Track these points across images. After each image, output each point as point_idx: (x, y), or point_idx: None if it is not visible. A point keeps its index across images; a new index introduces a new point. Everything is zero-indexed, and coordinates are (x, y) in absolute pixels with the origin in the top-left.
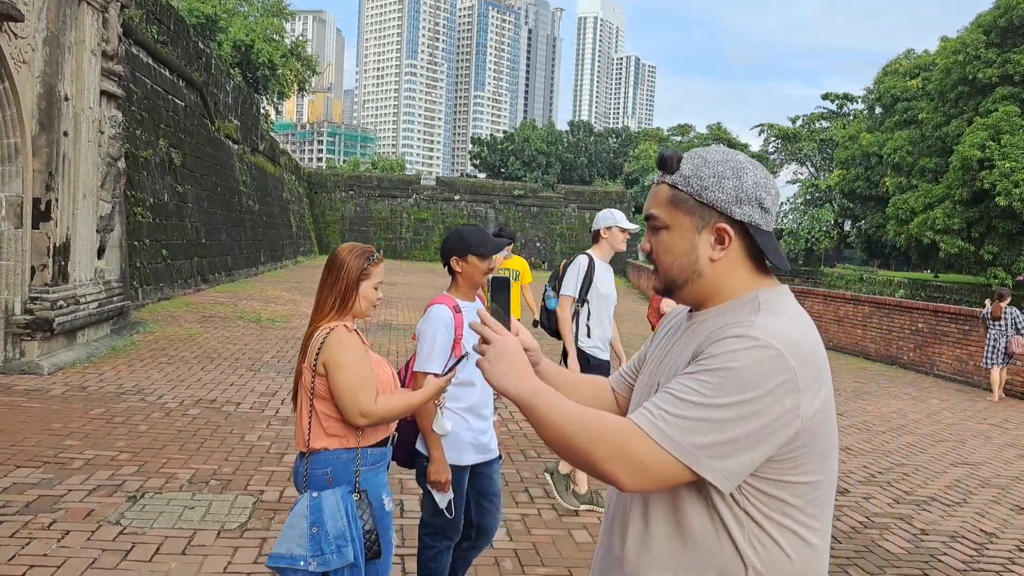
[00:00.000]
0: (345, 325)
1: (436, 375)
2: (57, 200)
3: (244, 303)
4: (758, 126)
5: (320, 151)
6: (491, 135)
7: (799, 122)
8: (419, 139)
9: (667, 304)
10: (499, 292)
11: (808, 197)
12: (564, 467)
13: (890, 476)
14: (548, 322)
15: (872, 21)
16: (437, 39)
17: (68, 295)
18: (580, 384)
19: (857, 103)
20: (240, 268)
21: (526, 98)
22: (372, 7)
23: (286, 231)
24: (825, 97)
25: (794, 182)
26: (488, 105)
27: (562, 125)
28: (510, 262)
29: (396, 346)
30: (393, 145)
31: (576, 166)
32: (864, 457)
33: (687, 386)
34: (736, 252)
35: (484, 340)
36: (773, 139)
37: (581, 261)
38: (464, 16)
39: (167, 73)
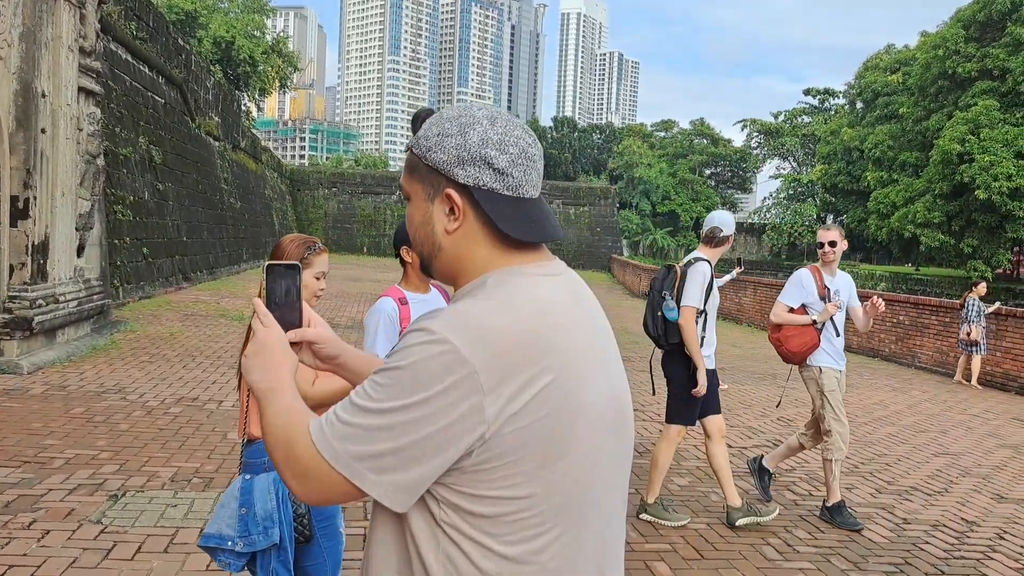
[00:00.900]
0: None
1: None
2: (35, 198)
3: (226, 301)
4: (741, 121)
5: (302, 148)
6: None
7: (781, 117)
8: (402, 136)
9: (775, 316)
10: (281, 279)
11: (791, 192)
12: (650, 496)
13: (872, 467)
14: (665, 334)
15: (853, 16)
16: (420, 35)
17: (47, 294)
18: None
19: (838, 98)
20: (222, 266)
21: (510, 94)
22: (354, 3)
23: (268, 229)
24: (807, 92)
25: (777, 177)
26: (472, 101)
27: (546, 121)
28: None
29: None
30: (376, 142)
31: (560, 162)
32: (847, 448)
33: (363, 388)
34: (473, 223)
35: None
36: (756, 134)
37: (703, 269)
38: (446, 12)
39: (146, 70)
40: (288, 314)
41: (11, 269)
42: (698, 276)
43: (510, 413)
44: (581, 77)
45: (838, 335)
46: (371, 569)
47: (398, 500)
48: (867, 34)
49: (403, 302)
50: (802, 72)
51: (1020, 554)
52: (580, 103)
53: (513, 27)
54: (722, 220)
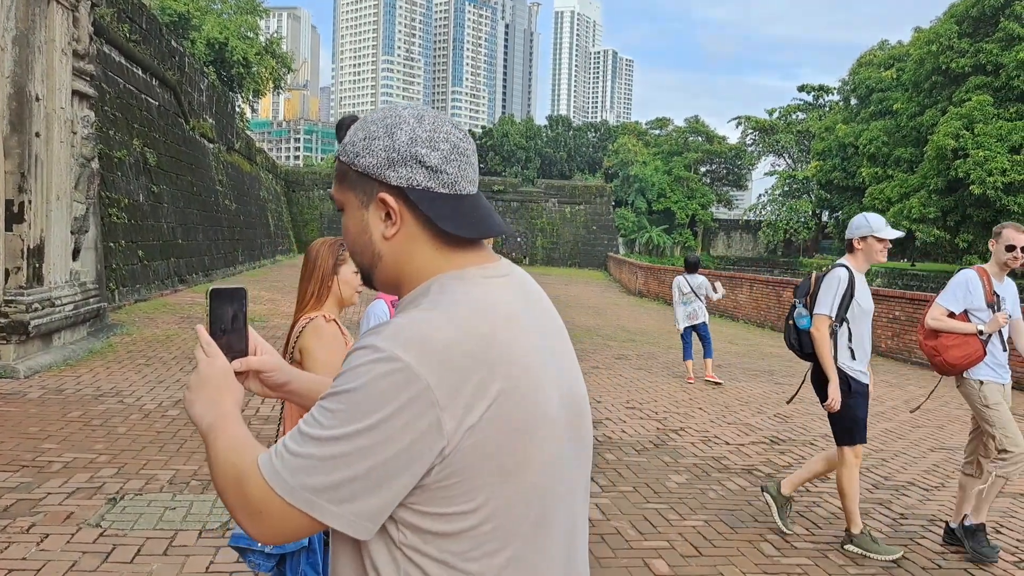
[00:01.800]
0: (324, 316)
1: None
2: (30, 202)
3: None
4: (736, 119)
5: (297, 149)
6: (470, 130)
7: (776, 114)
8: None
9: (934, 320)
10: (227, 304)
11: (786, 188)
12: (787, 487)
13: (869, 462)
14: (799, 343)
15: (847, 13)
16: (414, 34)
17: (43, 297)
18: None
19: (833, 94)
20: (218, 268)
21: (504, 93)
22: (347, 2)
23: (264, 230)
24: (801, 89)
25: (772, 174)
26: (466, 100)
27: (541, 120)
28: None
29: None
30: None
31: (556, 161)
32: None
33: (312, 415)
34: (412, 226)
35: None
36: (751, 131)
37: (840, 275)
38: (440, 11)
39: (140, 72)
40: (235, 342)
41: (7, 273)
42: (832, 283)
43: (468, 425)
44: (576, 75)
45: (1004, 349)
46: None
47: (363, 528)
48: (861, 30)
49: (395, 304)
50: (796, 69)
51: (1016, 547)
52: (575, 101)
53: (507, 26)
54: (852, 224)
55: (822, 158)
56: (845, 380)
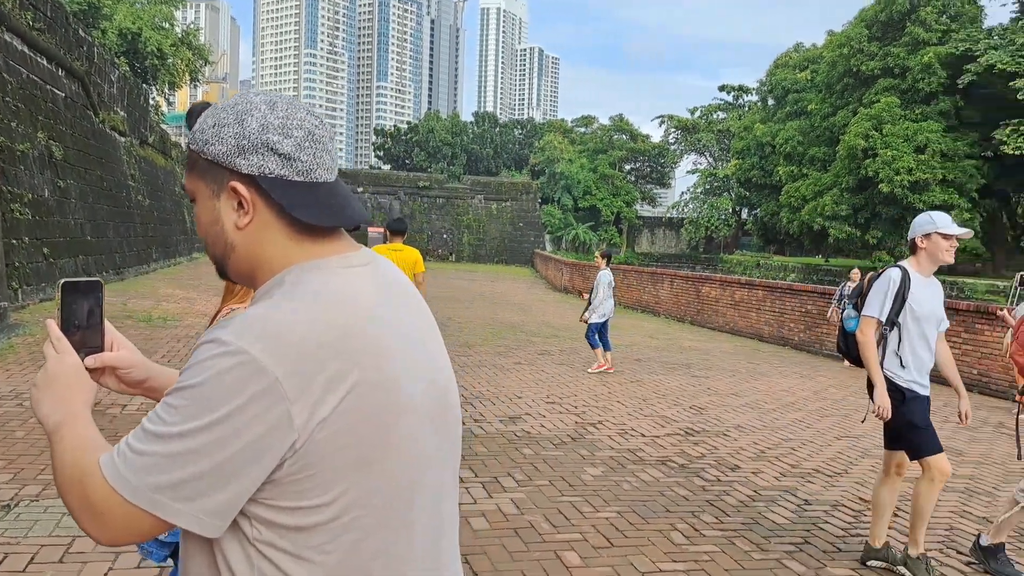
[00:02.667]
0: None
1: None
2: None
3: (133, 302)
4: (659, 117)
5: None
6: (395, 126)
7: (697, 113)
8: None
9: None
10: (81, 299)
11: (707, 187)
12: (913, 548)
13: (778, 451)
14: (847, 346)
15: (766, 15)
16: (337, 28)
17: None
18: None
19: (752, 95)
20: (130, 266)
21: (430, 89)
22: None
23: (180, 227)
24: (722, 89)
25: (694, 172)
26: (391, 96)
27: (467, 116)
28: (401, 253)
29: None
30: None
31: (482, 157)
32: (755, 434)
33: (155, 412)
34: (265, 215)
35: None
36: (673, 130)
37: (892, 275)
38: (364, 5)
39: (44, 62)
40: (89, 338)
41: None
42: (882, 284)
43: (320, 418)
44: (502, 72)
45: None
46: None
47: (211, 526)
48: (779, 32)
49: None
50: (718, 69)
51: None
52: (501, 98)
53: (433, 21)
54: (914, 223)
55: (741, 157)
56: (897, 390)
